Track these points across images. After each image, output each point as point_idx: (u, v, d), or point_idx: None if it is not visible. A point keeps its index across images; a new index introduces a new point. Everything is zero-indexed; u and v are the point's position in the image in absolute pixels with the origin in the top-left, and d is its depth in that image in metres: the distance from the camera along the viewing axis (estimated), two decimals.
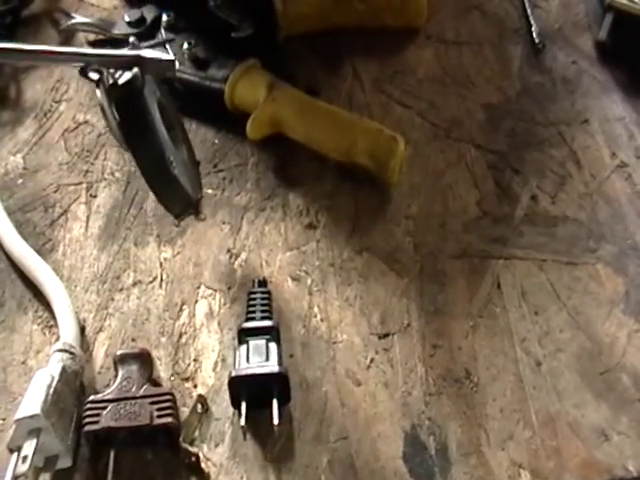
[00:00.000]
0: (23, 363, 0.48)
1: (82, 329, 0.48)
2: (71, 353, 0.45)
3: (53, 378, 0.43)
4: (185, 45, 0.57)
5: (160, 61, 0.45)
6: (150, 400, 0.44)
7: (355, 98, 0.58)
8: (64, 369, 0.44)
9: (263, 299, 0.47)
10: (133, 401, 0.44)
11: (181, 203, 0.47)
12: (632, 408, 0.45)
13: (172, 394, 0.44)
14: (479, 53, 0.61)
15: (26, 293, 0.50)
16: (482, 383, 0.46)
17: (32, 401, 0.41)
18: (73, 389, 0.45)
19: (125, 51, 0.46)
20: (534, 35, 0.61)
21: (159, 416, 0.43)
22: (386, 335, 0.48)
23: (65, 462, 0.43)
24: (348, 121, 0.53)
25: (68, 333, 0.47)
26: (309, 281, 0.50)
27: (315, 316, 0.48)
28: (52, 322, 0.49)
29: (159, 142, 0.44)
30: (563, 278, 0.50)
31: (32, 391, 0.42)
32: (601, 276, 0.50)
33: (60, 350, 0.45)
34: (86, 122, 0.58)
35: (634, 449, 0.44)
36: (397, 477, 0.43)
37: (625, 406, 0.45)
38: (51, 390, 0.42)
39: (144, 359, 0.46)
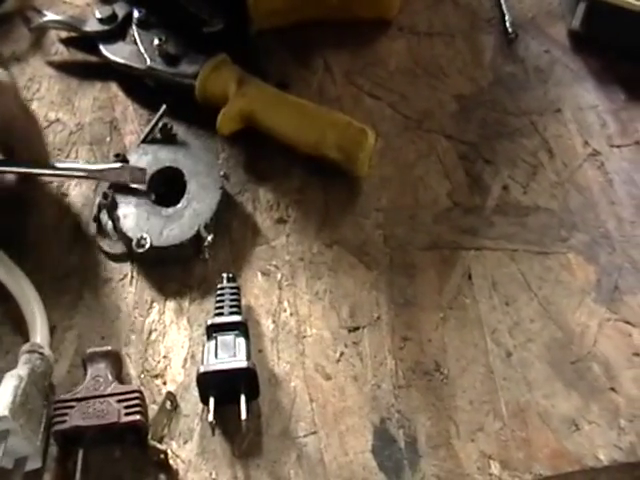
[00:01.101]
0: None
1: (52, 328, 0.48)
2: (40, 354, 0.45)
3: (21, 379, 0.43)
4: (156, 41, 0.57)
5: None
6: (118, 398, 0.44)
7: (326, 91, 0.58)
8: (32, 370, 0.44)
9: (232, 294, 0.47)
10: (101, 399, 0.44)
11: None
12: (603, 397, 0.45)
13: (140, 392, 0.44)
14: (451, 44, 0.61)
15: None
16: (452, 375, 0.46)
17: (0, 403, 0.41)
18: (42, 390, 0.44)
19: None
20: (507, 25, 0.61)
21: (127, 414, 0.43)
22: (356, 328, 0.47)
23: (35, 463, 0.43)
24: (317, 114, 0.53)
25: (37, 334, 0.47)
26: (279, 275, 0.50)
27: (285, 311, 0.48)
28: (23, 322, 0.48)
29: None
30: (534, 268, 0.50)
31: (0, 393, 0.42)
32: (572, 265, 0.50)
33: (29, 351, 0.45)
34: (57, 120, 0.58)
35: (605, 438, 0.44)
36: (366, 471, 0.43)
37: (596, 395, 0.45)
38: (19, 391, 0.42)
39: (113, 358, 0.46)
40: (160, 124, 0.55)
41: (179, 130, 0.55)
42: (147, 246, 0.49)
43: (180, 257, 0.50)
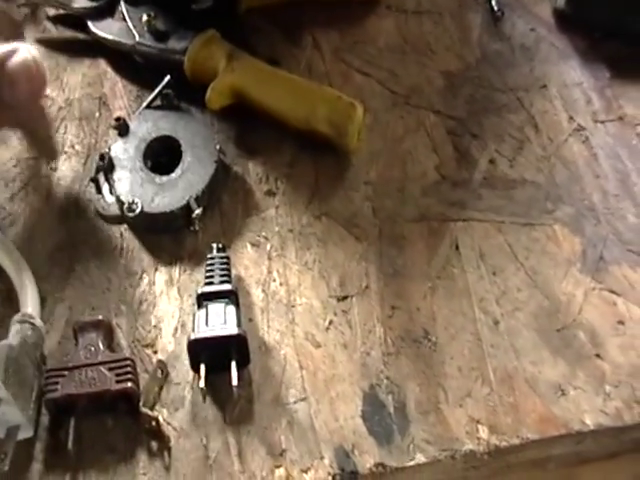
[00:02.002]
0: None
1: (43, 300, 0.48)
2: (31, 324, 0.45)
3: (13, 349, 0.43)
4: (145, 17, 0.57)
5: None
6: (109, 366, 0.44)
7: (315, 68, 0.59)
8: (24, 340, 0.44)
9: (222, 264, 0.48)
10: (92, 368, 0.44)
11: None
12: (589, 363, 0.46)
13: (131, 360, 0.44)
14: (439, 22, 0.61)
15: None
16: (440, 343, 0.46)
17: None
18: (33, 360, 0.44)
19: None
20: (493, 3, 0.62)
21: (118, 382, 0.43)
22: (345, 297, 0.48)
23: (26, 432, 0.43)
24: (307, 89, 0.53)
25: (28, 304, 0.47)
26: (268, 246, 0.50)
27: (274, 280, 0.49)
28: (13, 294, 0.49)
29: None
30: (521, 239, 0.50)
31: None
32: (558, 236, 0.51)
33: (20, 321, 0.45)
34: (46, 96, 0.58)
35: (591, 403, 0.44)
36: (356, 436, 0.43)
37: (582, 362, 0.46)
38: (11, 361, 0.42)
39: (103, 327, 0.46)
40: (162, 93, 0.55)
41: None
42: (137, 211, 0.49)
43: (170, 226, 0.51)
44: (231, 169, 0.54)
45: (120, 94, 0.58)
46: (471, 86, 0.58)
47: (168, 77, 0.55)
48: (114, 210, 0.52)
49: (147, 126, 0.54)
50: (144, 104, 0.55)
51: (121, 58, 0.59)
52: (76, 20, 0.60)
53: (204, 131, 0.53)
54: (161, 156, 0.53)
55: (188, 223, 0.50)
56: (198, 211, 0.50)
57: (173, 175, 0.51)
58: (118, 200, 0.51)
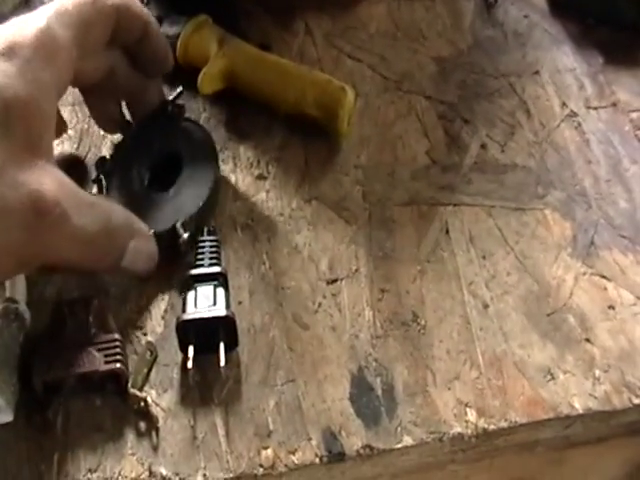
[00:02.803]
0: None
1: (33, 282, 0.48)
2: (14, 307, 0.45)
3: None
4: None
5: None
6: (98, 347, 0.44)
7: (306, 53, 0.59)
8: (6, 323, 0.44)
9: (212, 247, 0.47)
10: (81, 348, 0.44)
11: None
12: (578, 347, 0.46)
13: (120, 340, 0.44)
14: (431, 8, 0.61)
15: None
16: (429, 325, 0.46)
17: None
18: (16, 343, 0.44)
19: None
20: None
21: (107, 362, 0.43)
22: (334, 280, 0.48)
23: (6, 417, 0.43)
24: (297, 73, 0.53)
25: (13, 288, 0.47)
26: (258, 229, 0.50)
27: (264, 263, 0.49)
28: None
29: None
30: (511, 223, 0.50)
31: None
32: (549, 221, 0.50)
33: (3, 304, 0.45)
34: None
35: (580, 387, 0.44)
36: (343, 417, 0.43)
37: (571, 346, 0.46)
38: None
39: (93, 306, 0.46)
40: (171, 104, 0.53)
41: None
42: None
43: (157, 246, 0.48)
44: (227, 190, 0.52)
45: None
46: (463, 72, 0.57)
47: (181, 88, 0.53)
48: None
49: (152, 135, 0.52)
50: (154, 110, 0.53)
51: None
52: None
53: (207, 150, 0.51)
54: (161, 169, 0.51)
55: (174, 245, 0.48)
56: (185, 236, 0.47)
57: (166, 194, 0.49)
58: None
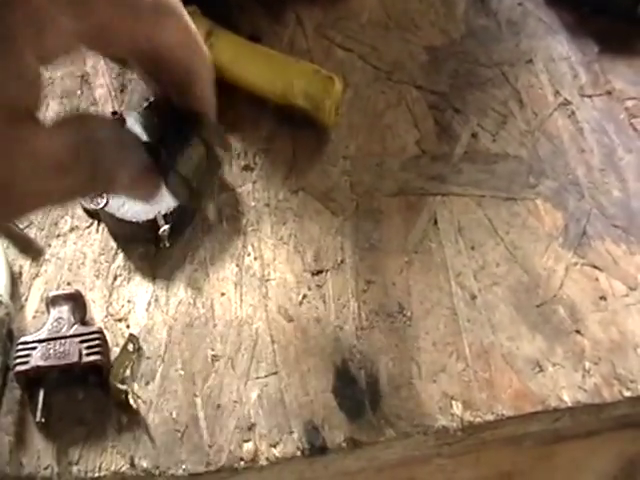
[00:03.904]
0: None
1: (19, 275, 0.48)
2: None
3: None
4: None
5: None
6: (79, 339, 0.44)
7: (297, 44, 0.58)
8: None
9: None
10: (63, 340, 0.44)
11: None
12: (568, 339, 0.45)
13: (102, 332, 0.44)
14: None
15: None
16: (415, 317, 0.46)
17: None
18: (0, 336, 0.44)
19: None
20: None
21: (88, 354, 0.43)
22: (319, 272, 0.47)
23: None
24: (284, 63, 0.53)
25: None
26: (244, 221, 0.49)
27: (249, 255, 0.48)
28: None
29: None
30: (501, 214, 0.49)
31: None
32: (540, 211, 0.50)
33: None
34: None
35: (569, 380, 0.43)
36: (326, 410, 0.43)
37: (561, 337, 0.45)
38: None
39: (76, 300, 0.46)
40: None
41: None
42: (100, 206, 0.48)
43: (137, 236, 0.49)
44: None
45: (102, 72, 0.58)
46: (455, 61, 0.57)
47: None
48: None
49: (140, 128, 0.52)
50: (145, 104, 0.53)
51: None
52: None
53: None
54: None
55: (156, 238, 0.48)
56: (165, 227, 0.47)
57: None
58: None
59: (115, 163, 0.33)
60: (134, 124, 0.52)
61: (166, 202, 0.48)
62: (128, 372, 0.44)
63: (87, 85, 0.57)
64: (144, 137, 0.50)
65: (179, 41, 0.34)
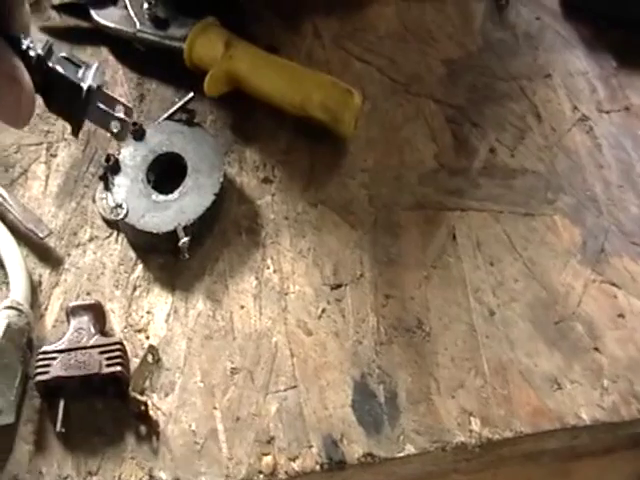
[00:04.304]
0: None
1: (39, 284, 0.49)
2: (18, 310, 0.45)
3: None
4: (145, 5, 0.57)
5: None
6: (99, 350, 0.44)
7: (315, 55, 0.58)
8: (9, 325, 0.44)
9: None
10: (83, 351, 0.44)
11: None
12: (586, 357, 0.45)
13: (122, 344, 0.44)
14: (441, 10, 0.61)
15: None
16: (434, 332, 0.46)
17: None
18: (19, 345, 0.45)
19: None
20: None
21: (108, 365, 0.43)
22: (338, 286, 0.47)
23: (7, 419, 0.43)
24: (303, 75, 0.53)
25: (17, 291, 0.47)
26: (263, 234, 0.50)
27: (268, 268, 0.48)
28: (7, 279, 0.49)
29: None
30: (519, 229, 0.50)
31: None
32: (558, 227, 0.50)
33: (7, 307, 0.45)
34: None
35: (587, 397, 0.44)
36: (345, 425, 0.43)
37: (579, 355, 0.45)
38: None
39: (96, 311, 0.46)
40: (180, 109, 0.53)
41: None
42: (120, 216, 0.48)
43: (156, 247, 0.49)
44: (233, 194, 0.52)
45: (121, 82, 0.58)
46: (472, 74, 0.57)
47: (192, 94, 0.53)
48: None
49: (160, 138, 0.52)
50: (164, 115, 0.53)
51: (122, 46, 0.59)
52: (79, 9, 0.60)
53: (214, 158, 0.51)
54: (166, 172, 0.51)
55: (176, 250, 0.48)
56: (185, 240, 0.47)
57: (170, 196, 0.49)
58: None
59: None
60: (152, 135, 0.52)
61: (186, 214, 0.48)
62: (147, 383, 0.44)
63: None
64: (164, 147, 0.51)
65: None
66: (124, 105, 0.39)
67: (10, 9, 0.35)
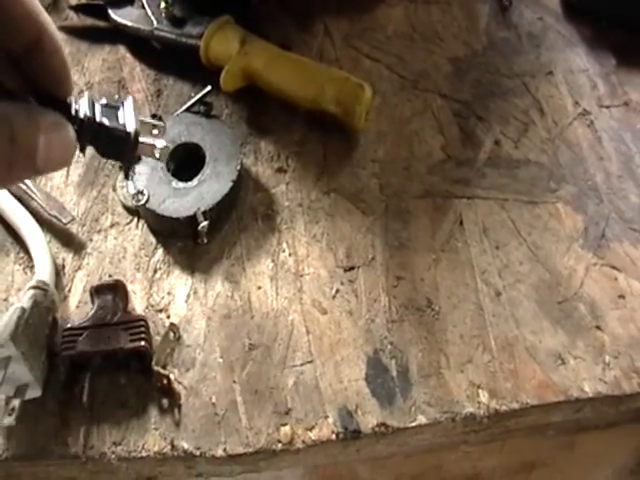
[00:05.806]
0: (5, 300, 0.50)
1: (62, 267, 0.51)
2: (44, 290, 0.47)
3: (24, 311, 0.45)
4: (162, 4, 0.60)
5: None
6: (124, 326, 0.46)
7: (326, 53, 0.60)
8: (36, 304, 0.46)
9: None
10: (107, 327, 0.46)
11: None
12: (588, 334, 0.47)
13: (145, 320, 0.46)
14: (447, 11, 0.63)
15: (8, 237, 0.52)
16: (443, 311, 0.48)
17: (3, 331, 0.43)
18: (45, 323, 0.46)
19: None
20: None
21: (132, 340, 0.45)
22: (351, 268, 0.49)
23: (35, 392, 0.45)
24: (316, 70, 0.55)
25: (42, 272, 0.49)
26: (278, 219, 0.52)
27: (284, 251, 0.50)
28: (32, 263, 0.51)
29: None
30: (524, 216, 0.52)
31: (4, 322, 0.44)
32: (561, 214, 0.52)
33: (33, 287, 0.47)
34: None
35: (590, 372, 0.46)
36: (359, 397, 0.45)
37: (581, 332, 0.47)
38: (22, 322, 0.44)
39: (119, 289, 0.48)
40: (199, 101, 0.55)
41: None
42: (142, 202, 0.50)
43: (176, 232, 0.51)
44: (249, 182, 0.54)
45: (138, 78, 0.60)
46: (477, 71, 0.59)
47: (209, 87, 0.56)
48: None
49: (179, 129, 0.54)
50: (183, 107, 0.56)
51: (139, 44, 0.61)
52: (97, 9, 0.63)
53: (231, 147, 0.53)
54: (185, 161, 0.53)
55: (195, 234, 0.50)
56: (204, 224, 0.50)
57: (189, 183, 0.51)
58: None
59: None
60: (171, 127, 0.55)
61: (206, 199, 0.50)
62: (169, 359, 0.46)
63: (124, 90, 0.60)
64: (183, 138, 0.53)
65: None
66: (158, 127, 0.39)
67: (59, 78, 0.36)
